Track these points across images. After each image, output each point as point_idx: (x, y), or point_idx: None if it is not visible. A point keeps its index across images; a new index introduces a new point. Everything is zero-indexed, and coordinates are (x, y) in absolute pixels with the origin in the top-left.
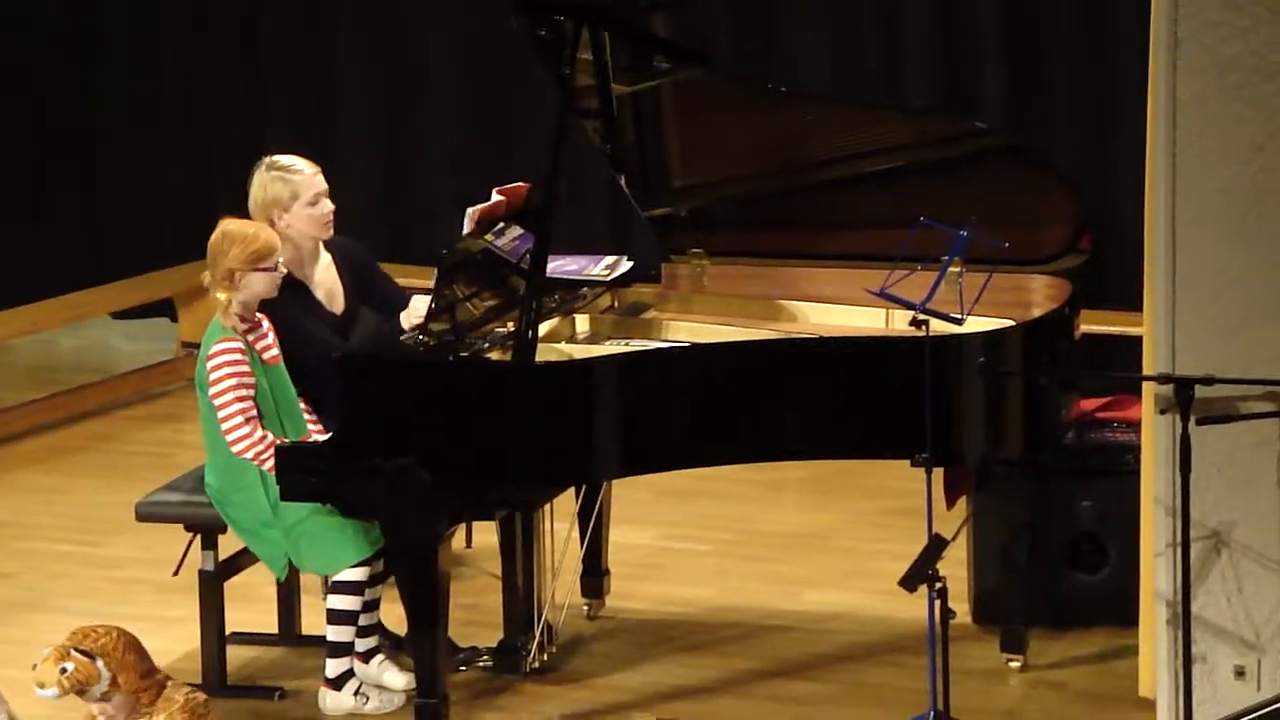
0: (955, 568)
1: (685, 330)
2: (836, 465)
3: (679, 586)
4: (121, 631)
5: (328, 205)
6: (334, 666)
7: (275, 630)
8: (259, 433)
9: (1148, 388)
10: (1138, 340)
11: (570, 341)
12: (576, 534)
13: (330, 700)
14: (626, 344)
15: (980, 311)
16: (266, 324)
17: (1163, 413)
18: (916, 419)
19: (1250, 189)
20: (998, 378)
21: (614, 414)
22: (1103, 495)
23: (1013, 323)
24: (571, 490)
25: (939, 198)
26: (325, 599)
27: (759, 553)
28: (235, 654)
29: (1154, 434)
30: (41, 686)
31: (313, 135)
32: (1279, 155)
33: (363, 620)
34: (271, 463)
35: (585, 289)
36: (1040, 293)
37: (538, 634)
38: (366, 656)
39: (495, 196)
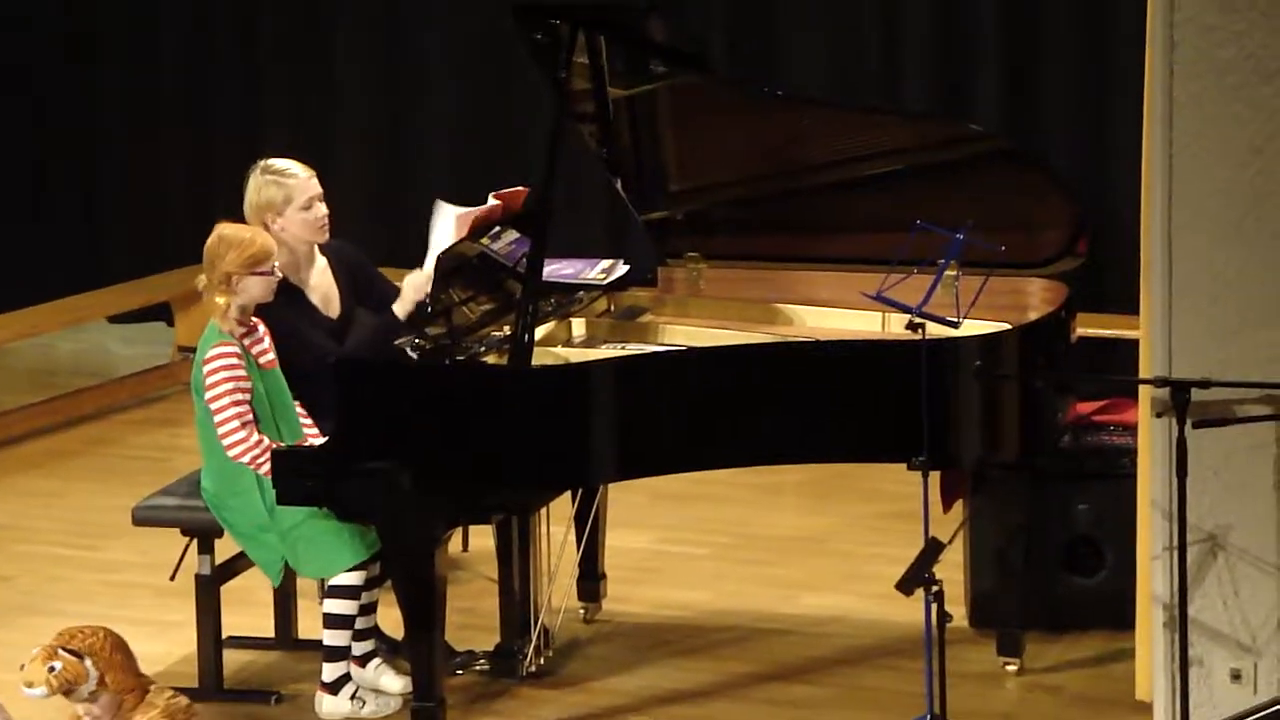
0: (952, 571)
1: (682, 334)
2: (833, 469)
3: (676, 590)
4: (109, 632)
5: (322, 209)
6: (330, 670)
7: (272, 634)
8: (255, 437)
9: (1144, 391)
10: (1134, 343)
11: (567, 345)
12: (573, 537)
13: (327, 704)
14: (623, 348)
15: (977, 315)
16: (262, 328)
17: (1159, 416)
18: (913, 422)
19: (1248, 191)
20: (994, 381)
21: (610, 418)
22: (1099, 498)
23: (1009, 326)
24: (568, 494)
25: (936, 201)
26: (321, 603)
27: (756, 556)
28: (232, 658)
29: (1150, 437)
30: (29, 686)
31: (311, 137)
32: (1276, 158)
33: (359, 624)
34: (268, 467)
35: (581, 293)
36: (1037, 296)
37: (534, 638)
38: (363, 660)
39: (491, 200)
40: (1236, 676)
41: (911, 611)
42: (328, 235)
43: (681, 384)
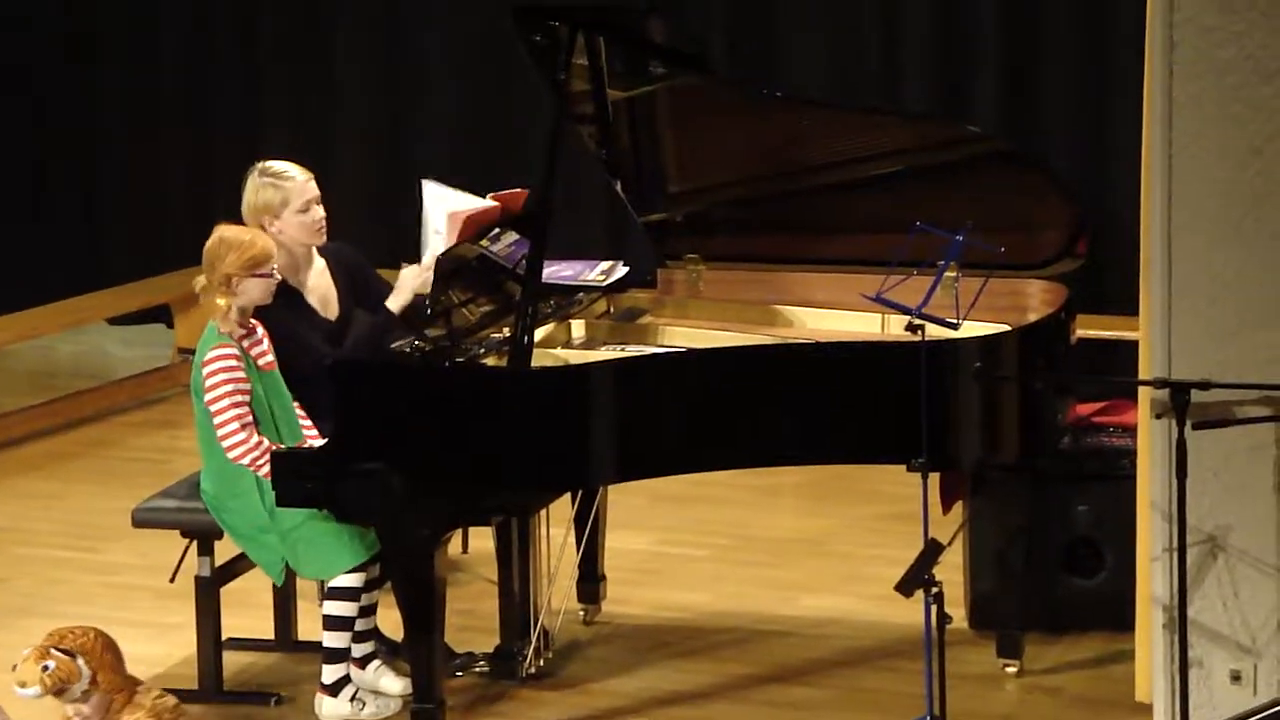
0: (951, 573)
1: (681, 335)
2: (833, 470)
3: (675, 592)
4: (99, 632)
5: (319, 212)
6: (330, 672)
7: (272, 636)
8: (255, 438)
9: (1144, 392)
10: (1134, 345)
11: (566, 347)
12: (573, 539)
13: (327, 706)
14: (622, 349)
15: (976, 316)
16: (261, 330)
17: (1159, 417)
18: (913, 424)
19: (1247, 192)
20: (994, 382)
21: (610, 419)
22: (1099, 500)
23: (1009, 327)
24: (568, 495)
25: (935, 202)
26: (321, 605)
27: (755, 558)
28: (232, 660)
29: (1150, 439)
30: (23, 685)
31: (311, 138)
32: (1276, 159)
33: (359, 626)
34: (267, 468)
35: (581, 294)
36: (1036, 297)
37: (534, 639)
38: (363, 662)
39: (488, 201)
40: (1236, 678)
41: (911, 613)
42: (325, 238)
43: (681, 386)
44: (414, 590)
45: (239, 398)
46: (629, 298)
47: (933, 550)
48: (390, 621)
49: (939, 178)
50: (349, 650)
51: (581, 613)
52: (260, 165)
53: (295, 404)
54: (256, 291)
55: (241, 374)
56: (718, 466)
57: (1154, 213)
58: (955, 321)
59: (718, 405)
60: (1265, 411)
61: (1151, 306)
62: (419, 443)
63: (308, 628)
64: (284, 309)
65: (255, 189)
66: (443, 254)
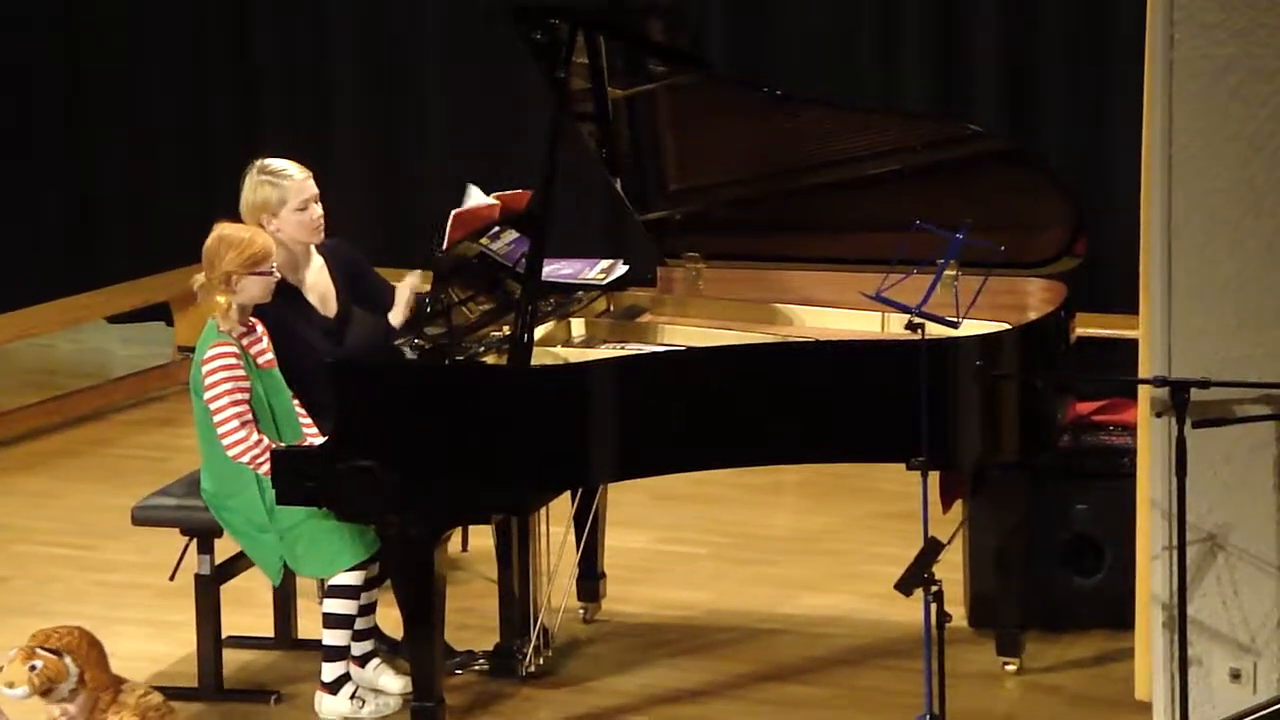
0: (951, 571)
1: (681, 334)
2: (832, 469)
3: (675, 590)
4: (83, 630)
5: (317, 210)
6: (330, 670)
7: (271, 634)
8: (254, 437)
9: (1143, 391)
10: (1133, 343)
11: (566, 345)
12: (572, 538)
13: (326, 704)
14: (622, 348)
15: (976, 315)
16: (260, 328)
17: (1158, 416)
18: (912, 422)
19: (1247, 191)
20: (993, 381)
21: (610, 418)
22: (1099, 498)
23: (1008, 326)
24: (567, 494)
25: (935, 201)
26: (321, 603)
27: (755, 556)
28: (231, 658)
29: (1150, 437)
30: (11, 686)
31: (310, 137)
32: (1276, 157)
33: (359, 624)
34: (267, 466)
35: (581, 293)
36: (1036, 296)
37: (534, 638)
38: (363, 660)
39: (490, 199)
40: (1236, 676)
41: (910, 611)
42: (323, 236)
43: (681, 384)
44: (414, 588)
45: (239, 395)
46: (629, 296)
47: (932, 549)
48: (390, 620)
49: (939, 177)
50: (349, 648)
51: (581, 611)
52: (259, 163)
53: (295, 402)
54: (256, 289)
55: (241, 372)
56: (717, 465)
57: (1154, 211)
58: (955, 320)
59: (717, 404)
60: (1265, 410)
61: (1151, 305)
62: (419, 441)
63: (308, 626)
64: (283, 307)
65: (254, 187)
66: (442, 253)
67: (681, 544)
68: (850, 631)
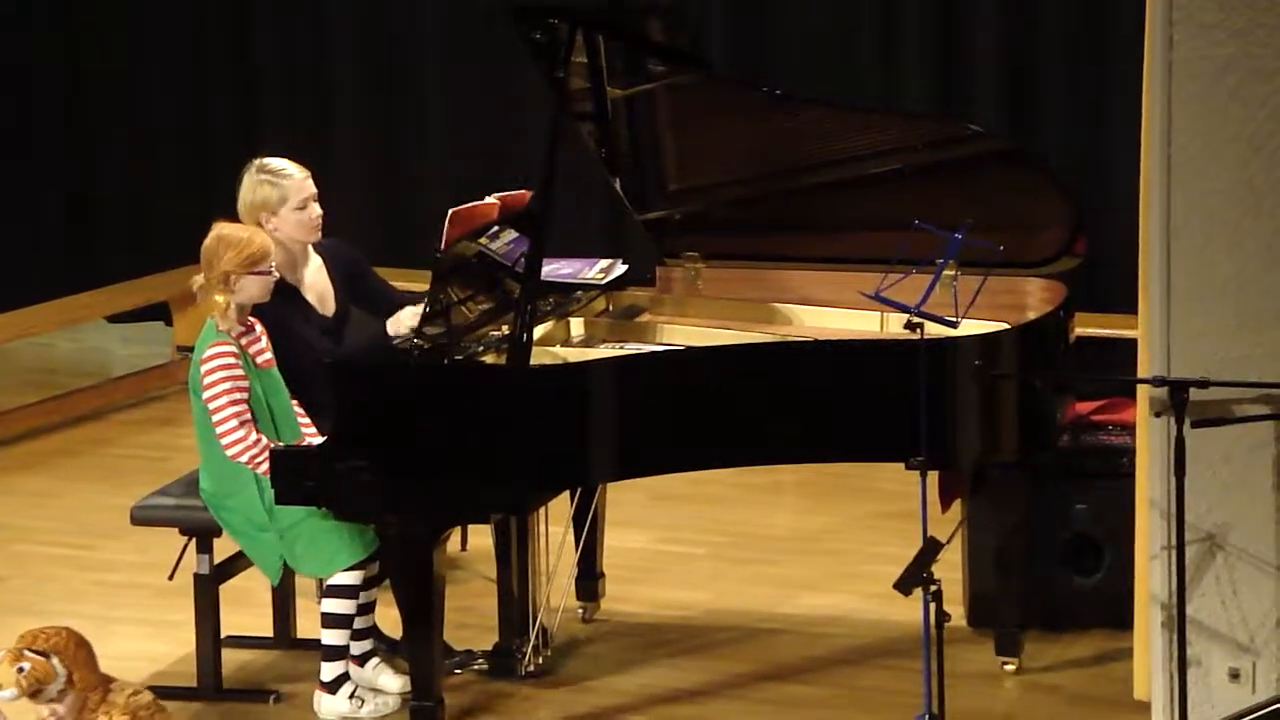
0: (950, 571)
1: (680, 334)
2: (831, 468)
3: (674, 590)
4: (70, 631)
5: (316, 209)
6: (329, 670)
7: (270, 634)
8: (253, 436)
9: (1143, 390)
10: (1133, 343)
11: (565, 345)
12: (571, 537)
13: (325, 704)
14: (621, 347)
15: (975, 314)
16: (259, 328)
17: (1158, 415)
18: (911, 422)
19: (1246, 191)
20: (993, 381)
21: (609, 417)
22: (1098, 498)
23: (1008, 326)
24: (566, 493)
25: (934, 201)
26: (320, 602)
27: (754, 556)
28: (231, 657)
29: (1149, 437)
30: None
31: (309, 137)
32: (1275, 157)
33: (358, 624)
34: (266, 466)
35: (580, 292)
36: (1035, 295)
37: (533, 637)
38: (362, 660)
39: (490, 199)
40: (1235, 676)
41: (910, 611)
42: (320, 235)
43: (680, 384)
44: (413, 588)
45: (237, 395)
46: (628, 296)
47: (931, 548)
48: (389, 619)
49: (938, 177)
50: (348, 648)
51: (580, 610)
52: (257, 162)
53: (294, 402)
54: (255, 289)
55: (240, 371)
56: (716, 464)
57: (1153, 211)
58: (954, 320)
59: (716, 404)
60: (1264, 410)
61: (1150, 305)
62: (417, 441)
63: (307, 626)
64: (282, 306)
65: (253, 186)
66: (441, 252)
67: (681, 544)
68: (849, 631)
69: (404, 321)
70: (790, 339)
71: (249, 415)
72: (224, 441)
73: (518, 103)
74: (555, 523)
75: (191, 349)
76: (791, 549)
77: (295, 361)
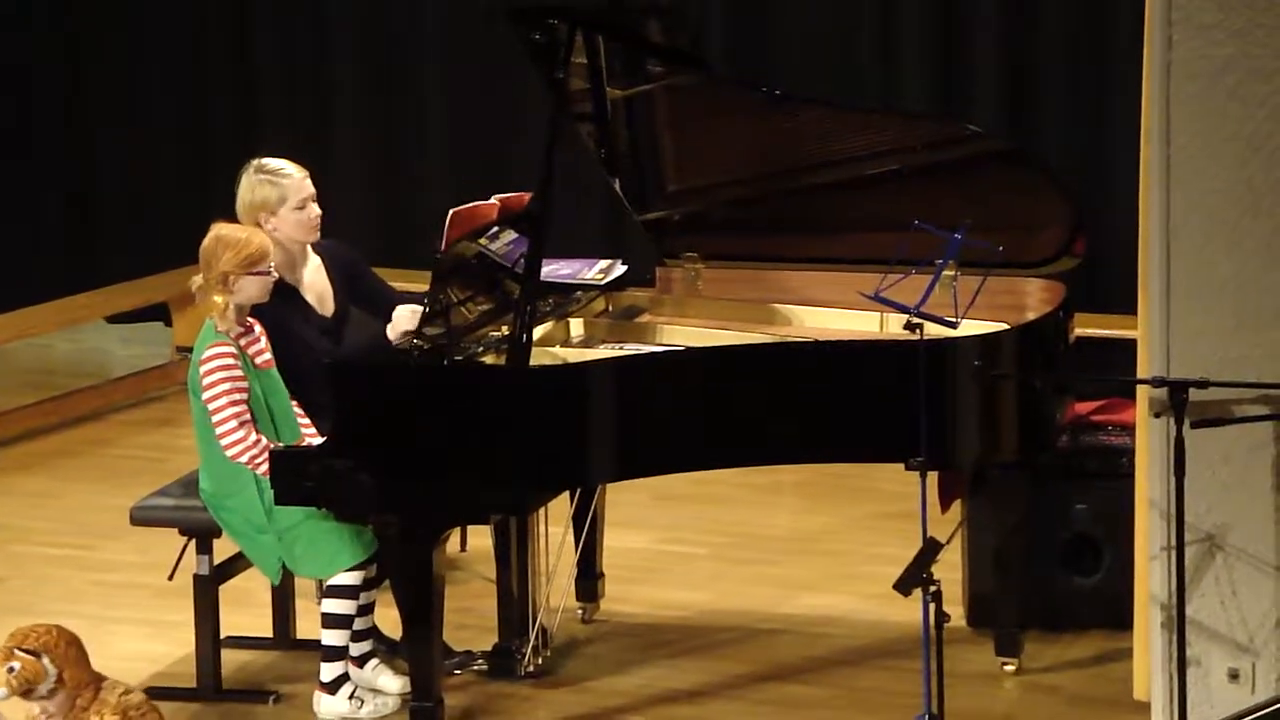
0: (950, 571)
1: (680, 334)
2: (831, 469)
3: (674, 590)
4: (61, 629)
5: (315, 209)
6: (329, 670)
7: (270, 634)
8: (253, 437)
9: (1142, 391)
10: (1132, 343)
11: (565, 345)
12: (571, 538)
13: (325, 704)
14: (620, 348)
15: (975, 315)
16: (259, 328)
17: (1157, 416)
18: (911, 422)
19: (1246, 191)
20: (992, 381)
21: (608, 418)
22: (1097, 498)
23: (1007, 326)
24: (566, 494)
25: (934, 201)
26: (320, 603)
27: (754, 556)
28: (230, 658)
29: (1148, 437)
30: None
31: (309, 137)
32: (1274, 157)
33: (357, 624)
34: (265, 467)
35: (579, 293)
36: (1035, 296)
37: (533, 638)
38: (361, 660)
39: (492, 200)
40: (1234, 676)
41: (909, 611)
42: (319, 235)
43: (679, 384)
44: (412, 588)
45: (237, 396)
46: (627, 296)
47: (931, 549)
48: (389, 620)
49: (938, 177)
50: (347, 648)
51: (580, 611)
52: (256, 163)
53: (293, 402)
54: (254, 289)
55: (239, 372)
56: (716, 465)
57: (1152, 211)
58: (954, 320)
59: (716, 404)
60: (1263, 410)
61: (1150, 305)
62: (417, 441)
63: (306, 626)
64: (281, 306)
65: (251, 186)
66: (441, 253)
67: (680, 544)
68: (849, 632)
69: (400, 327)
70: (790, 339)
71: (248, 416)
72: (223, 442)
73: (518, 103)
74: (555, 523)
75: (191, 349)
76: (791, 549)
77: (295, 362)
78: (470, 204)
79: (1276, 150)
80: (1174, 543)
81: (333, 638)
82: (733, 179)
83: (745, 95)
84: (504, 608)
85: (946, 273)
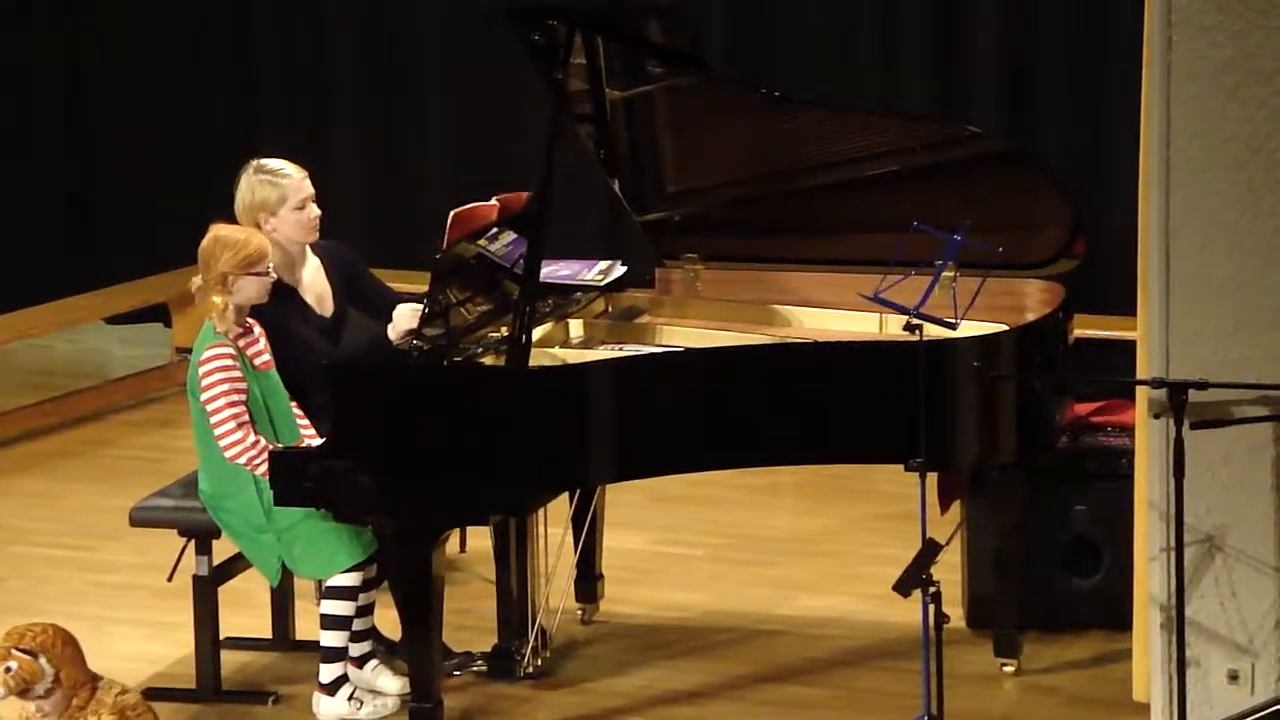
0: (949, 572)
1: (679, 335)
2: (830, 470)
3: (673, 591)
4: (57, 628)
5: (315, 210)
6: (328, 671)
7: (269, 635)
8: (251, 438)
9: (1141, 392)
10: (1131, 344)
11: (564, 346)
12: (570, 539)
13: (324, 705)
14: (620, 349)
15: (974, 316)
16: (258, 329)
17: (1156, 417)
18: (910, 424)
19: (1245, 192)
20: (992, 382)
21: (608, 419)
22: (1097, 499)
23: (1007, 327)
24: (565, 495)
25: (933, 202)
26: (319, 604)
27: (753, 557)
28: (229, 659)
29: (1148, 438)
30: None
31: (309, 138)
32: (1273, 158)
33: (357, 625)
34: (264, 468)
35: (579, 294)
36: (1034, 297)
37: (532, 639)
38: (361, 661)
39: (491, 201)
40: (1234, 677)
41: (909, 613)
42: (318, 235)
43: (679, 385)
44: (412, 590)
45: (235, 397)
46: (627, 297)
47: (930, 550)
48: (388, 621)
49: (937, 178)
50: (347, 649)
51: (579, 612)
52: (255, 163)
53: (292, 403)
54: (252, 290)
55: (237, 373)
56: (715, 466)
57: (1152, 212)
58: (953, 321)
59: (715, 405)
60: (1263, 411)
61: (1149, 306)
62: (416, 442)
63: (305, 627)
64: (280, 306)
65: (251, 187)
66: (440, 253)
67: (679, 545)
68: (848, 633)
69: (401, 326)
70: (789, 340)
71: (247, 417)
72: (222, 444)
73: (518, 103)
74: (554, 524)
75: (190, 350)
76: (790, 550)
77: (294, 363)
78: (470, 205)
79: (1276, 151)
80: (1173, 544)
81: (332, 639)
82: (732, 180)
83: (745, 96)
84: (503, 609)
85: (946, 274)
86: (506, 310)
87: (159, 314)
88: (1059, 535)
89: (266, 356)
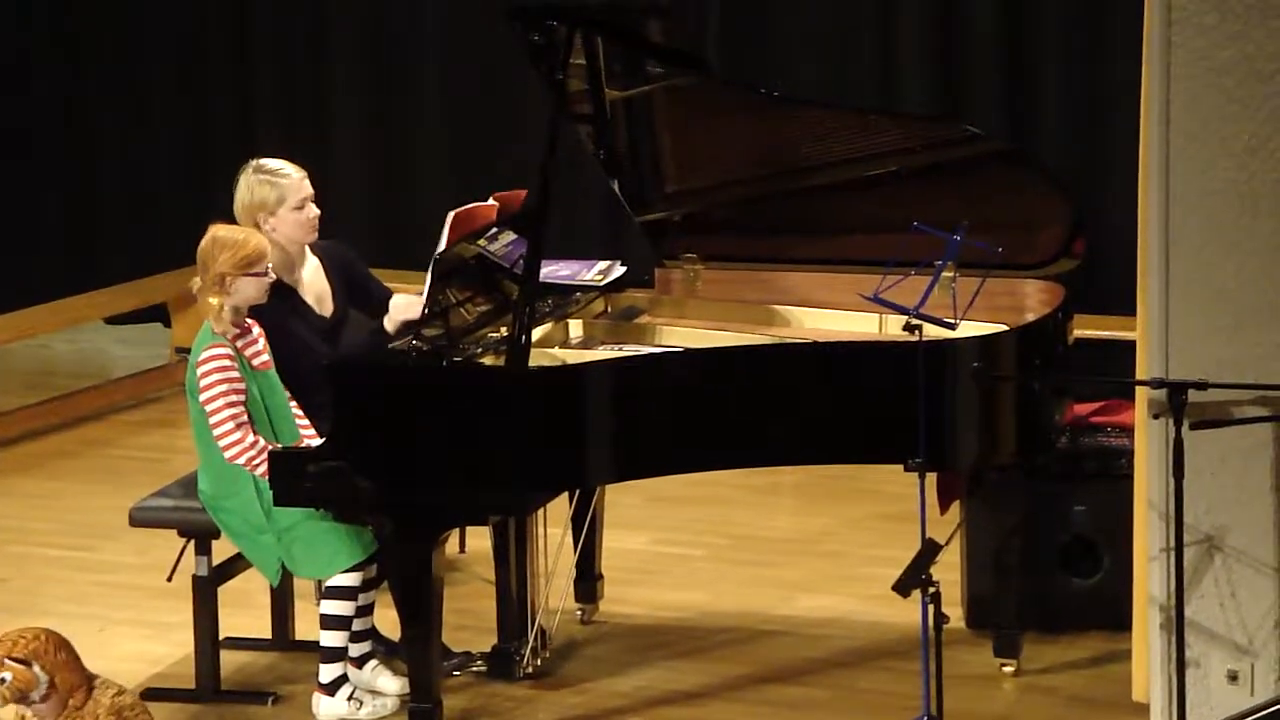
0: (948, 573)
1: (679, 335)
2: (830, 470)
3: (672, 591)
4: (49, 632)
5: (314, 210)
6: (328, 672)
7: (269, 635)
8: (251, 438)
9: (1141, 392)
10: (1131, 345)
11: (564, 346)
12: (570, 539)
13: (324, 705)
14: (619, 349)
15: (974, 316)
16: (257, 329)
17: (1156, 417)
18: (910, 424)
19: (1245, 192)
20: (991, 382)
21: (607, 419)
22: (1096, 500)
23: (1006, 327)
24: (565, 495)
25: (933, 202)
26: (319, 604)
27: (752, 558)
28: (229, 659)
29: (1147, 438)
30: None
31: (308, 138)
32: (1273, 159)
33: (356, 625)
34: (264, 468)
35: (578, 294)
36: (1034, 297)
37: (531, 639)
38: (360, 661)
39: (490, 201)
40: (1233, 677)
41: (908, 613)
42: (317, 235)
43: (678, 385)
44: (411, 590)
45: (234, 397)
46: (626, 297)
47: (930, 550)
48: (388, 621)
49: (937, 178)
50: (346, 649)
51: (579, 612)
52: (254, 163)
53: (292, 403)
54: (251, 290)
55: (236, 373)
56: (715, 466)
57: (1151, 213)
58: (953, 321)
59: (715, 405)
60: (1262, 411)
61: (1149, 306)
62: (416, 442)
63: (305, 627)
64: (279, 306)
65: (250, 187)
66: (440, 253)
67: (679, 545)
68: (848, 633)
69: (397, 317)
70: (789, 341)
71: (245, 417)
72: (221, 444)
73: (518, 103)
74: (554, 524)
75: (189, 351)
76: (790, 551)
77: (293, 363)
78: (470, 205)
79: (1276, 151)
80: (1173, 544)
81: (331, 639)
82: (732, 180)
83: (745, 96)
84: (503, 609)
85: (945, 274)
86: (506, 310)
87: (159, 314)
88: (1059, 535)
89: (265, 357)
